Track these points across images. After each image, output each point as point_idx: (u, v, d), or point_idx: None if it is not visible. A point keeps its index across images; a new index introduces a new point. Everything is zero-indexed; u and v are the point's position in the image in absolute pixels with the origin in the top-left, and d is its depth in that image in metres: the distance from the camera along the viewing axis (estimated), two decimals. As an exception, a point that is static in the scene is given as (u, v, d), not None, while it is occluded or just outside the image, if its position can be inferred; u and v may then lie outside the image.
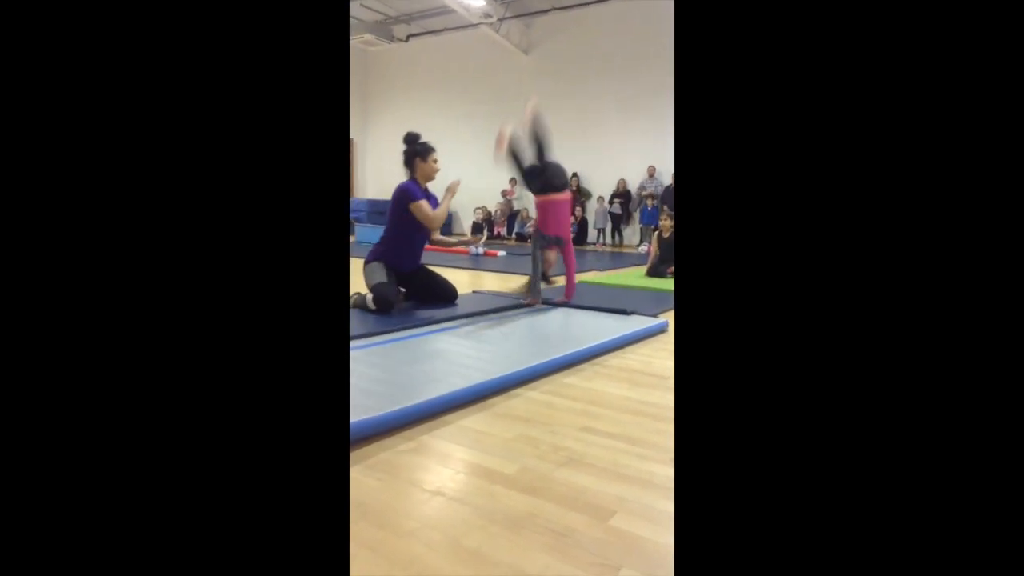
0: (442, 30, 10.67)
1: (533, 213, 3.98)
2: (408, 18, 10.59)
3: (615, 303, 3.19)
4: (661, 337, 2.65)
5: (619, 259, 6.95)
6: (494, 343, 2.32)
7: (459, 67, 11.17)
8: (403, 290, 3.05)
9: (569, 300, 3.15)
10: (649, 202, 8.76)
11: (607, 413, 1.63)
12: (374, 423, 1.38)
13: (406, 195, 2.93)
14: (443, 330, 2.50)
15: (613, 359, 2.23)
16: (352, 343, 2.18)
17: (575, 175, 9.74)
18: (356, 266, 3.23)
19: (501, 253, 6.70)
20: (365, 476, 1.21)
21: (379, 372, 1.82)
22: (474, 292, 3.54)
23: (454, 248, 4.36)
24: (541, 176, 3.01)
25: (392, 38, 10.49)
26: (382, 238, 3.06)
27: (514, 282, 3.81)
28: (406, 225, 2.97)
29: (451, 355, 2.11)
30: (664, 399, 1.76)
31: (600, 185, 9.66)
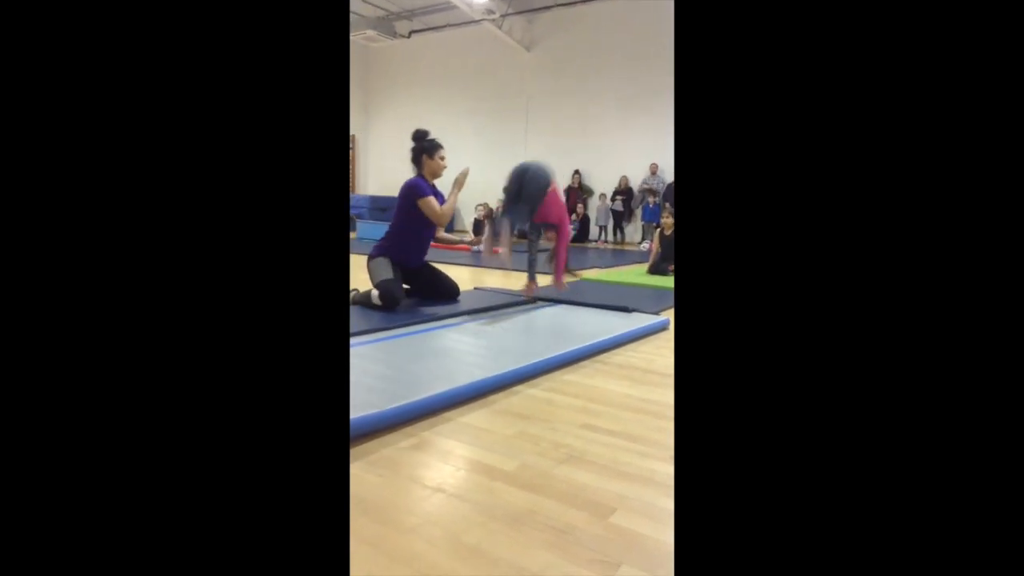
0: (444, 26, 10.66)
1: None
2: (410, 14, 10.58)
3: (616, 300, 3.19)
4: (662, 335, 2.65)
5: (621, 256, 6.95)
6: (495, 340, 2.32)
7: (461, 63, 11.16)
8: (406, 287, 3.05)
9: (559, 287, 3.11)
10: (651, 199, 8.76)
11: (608, 410, 1.64)
12: (375, 419, 1.39)
13: (414, 191, 2.93)
14: (445, 327, 2.50)
15: (614, 356, 2.23)
16: (353, 339, 2.18)
17: (577, 172, 9.73)
18: (358, 263, 3.24)
19: (503, 250, 6.68)
20: (366, 472, 1.22)
21: (380, 368, 1.82)
22: (476, 289, 3.55)
23: (457, 245, 4.36)
24: (519, 196, 2.92)
25: (394, 34, 10.48)
26: (387, 233, 3.05)
27: (515, 279, 3.81)
28: (414, 221, 2.97)
29: (452, 352, 2.11)
30: (665, 397, 1.76)
31: (602, 182, 9.66)
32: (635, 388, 1.85)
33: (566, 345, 2.16)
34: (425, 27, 10.86)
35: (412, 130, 3.10)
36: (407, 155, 3.08)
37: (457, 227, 10.07)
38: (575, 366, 2.07)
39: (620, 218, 9.42)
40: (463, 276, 4.22)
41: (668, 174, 8.91)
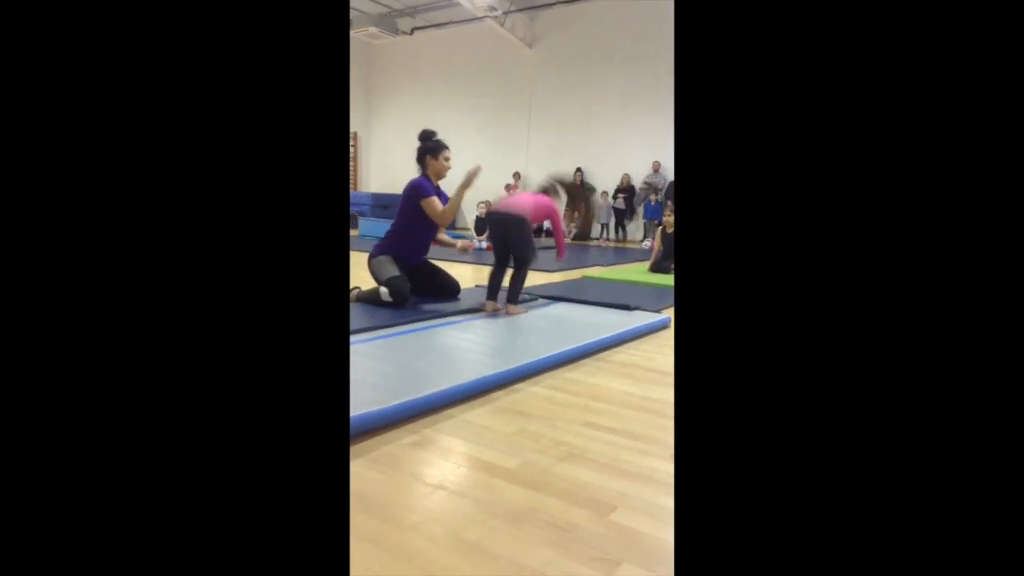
0: (446, 23, 10.64)
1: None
2: (413, 11, 10.56)
3: (618, 299, 3.19)
4: (664, 333, 2.65)
5: (622, 254, 6.94)
6: (496, 337, 2.32)
7: (463, 61, 11.14)
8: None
9: (559, 256, 3.16)
10: (653, 197, 8.75)
11: (609, 408, 1.64)
12: (376, 417, 1.39)
13: (418, 191, 2.94)
14: (446, 324, 2.50)
15: (615, 354, 2.23)
16: (354, 337, 2.18)
17: (579, 170, 9.72)
18: (359, 260, 3.24)
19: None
20: (368, 469, 1.22)
21: (382, 366, 1.82)
22: (477, 286, 3.55)
23: (455, 243, 4.36)
24: (507, 248, 2.85)
25: (397, 31, 10.47)
26: (389, 233, 3.06)
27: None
28: (416, 221, 2.98)
29: (454, 349, 2.12)
30: (666, 395, 1.77)
31: (604, 180, 9.65)
32: (636, 386, 1.85)
33: (567, 343, 2.16)
34: (427, 24, 10.84)
35: (414, 127, 3.11)
36: (410, 152, 3.09)
37: (459, 225, 10.06)
38: (576, 364, 2.07)
39: (622, 216, 9.41)
40: (465, 274, 4.22)
41: (670, 172, 8.90)
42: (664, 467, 1.27)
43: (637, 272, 4.77)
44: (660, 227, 5.17)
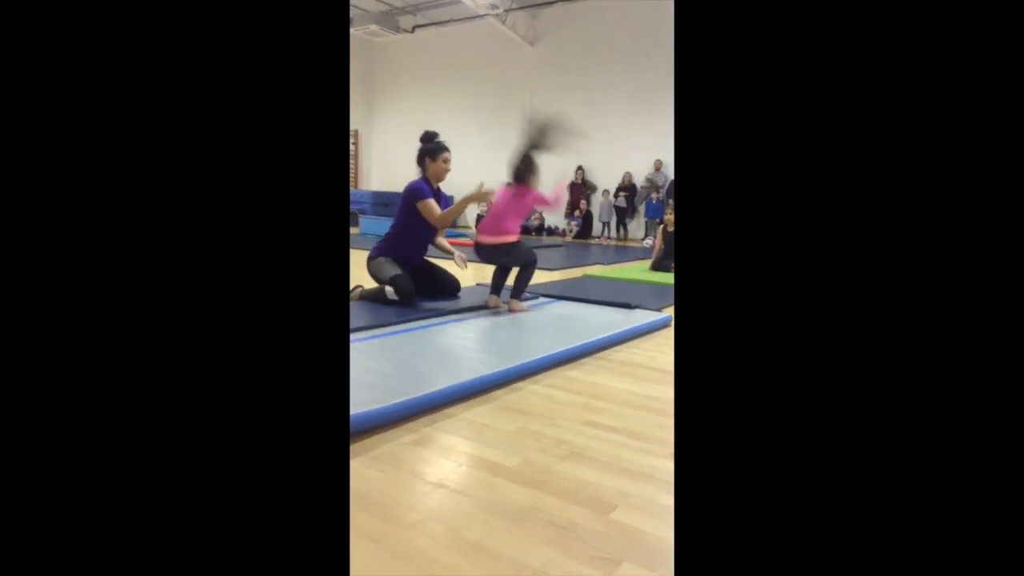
0: (448, 21, 10.63)
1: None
2: (414, 9, 10.55)
3: (619, 297, 3.19)
4: (664, 331, 2.65)
5: (624, 253, 6.94)
6: (496, 336, 2.32)
7: (465, 59, 11.14)
8: None
9: (558, 204, 3.11)
10: (654, 195, 8.74)
11: (609, 407, 1.64)
12: (377, 415, 1.39)
13: (415, 194, 2.94)
14: (446, 323, 2.50)
15: (616, 353, 2.23)
16: (354, 335, 2.18)
17: (580, 168, 9.72)
18: (359, 258, 3.24)
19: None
20: (368, 468, 1.22)
21: (382, 364, 1.82)
22: (477, 285, 3.55)
23: (457, 242, 4.37)
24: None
25: (398, 29, 10.46)
26: (387, 234, 3.07)
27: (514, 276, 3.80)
28: (414, 222, 2.98)
29: (454, 348, 2.12)
30: (667, 394, 1.76)
31: (605, 179, 9.65)
32: (637, 385, 1.85)
33: (568, 342, 2.16)
34: (428, 22, 10.84)
35: (415, 125, 3.12)
36: (411, 150, 3.09)
37: (460, 224, 10.06)
38: (577, 362, 2.07)
39: (623, 214, 9.41)
40: (464, 272, 4.22)
41: (672, 170, 8.90)
42: (665, 466, 1.27)
43: (638, 271, 4.77)
44: (661, 225, 5.16)
